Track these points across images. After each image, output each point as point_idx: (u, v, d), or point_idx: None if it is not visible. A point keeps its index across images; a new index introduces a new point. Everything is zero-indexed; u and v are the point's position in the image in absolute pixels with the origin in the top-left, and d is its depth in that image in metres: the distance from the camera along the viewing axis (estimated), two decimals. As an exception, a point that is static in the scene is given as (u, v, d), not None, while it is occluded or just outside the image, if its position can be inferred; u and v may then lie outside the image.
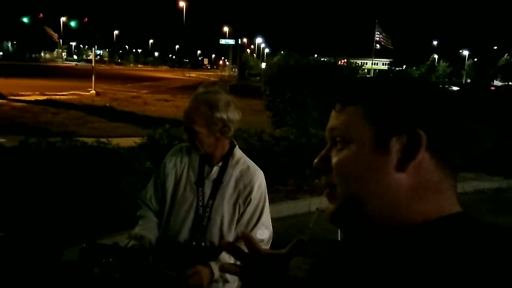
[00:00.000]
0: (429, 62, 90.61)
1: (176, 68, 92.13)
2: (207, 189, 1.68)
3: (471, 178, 6.61)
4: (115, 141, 5.01)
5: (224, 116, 1.61)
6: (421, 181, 0.60)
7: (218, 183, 1.68)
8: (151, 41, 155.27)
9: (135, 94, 19.86)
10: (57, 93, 17.05)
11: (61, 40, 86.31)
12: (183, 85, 30.86)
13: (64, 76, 29.44)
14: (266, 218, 1.74)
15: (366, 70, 52.37)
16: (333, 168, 0.64)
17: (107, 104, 14.51)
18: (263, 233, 1.70)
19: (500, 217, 5.13)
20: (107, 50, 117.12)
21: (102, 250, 1.39)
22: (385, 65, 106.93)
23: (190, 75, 55.39)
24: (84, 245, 1.40)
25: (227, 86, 1.78)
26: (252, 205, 1.69)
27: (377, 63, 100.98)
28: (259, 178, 1.73)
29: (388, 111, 0.62)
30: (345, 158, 0.63)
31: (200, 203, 1.68)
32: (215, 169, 1.70)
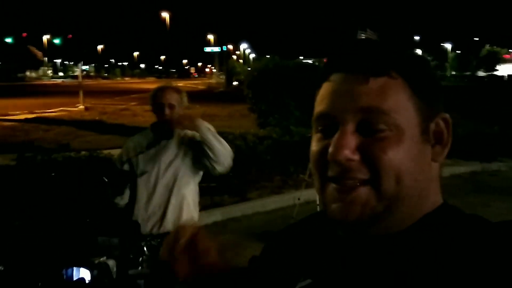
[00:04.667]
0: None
1: (163, 79, 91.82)
2: (169, 155, 2.33)
3: (448, 164, 6.98)
4: (107, 152, 5.27)
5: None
6: (438, 170, 0.57)
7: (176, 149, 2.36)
8: (136, 53, 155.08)
9: (124, 106, 20.00)
10: (46, 111, 17.20)
11: (46, 58, 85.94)
12: (171, 95, 30.97)
13: (51, 93, 29.48)
14: None
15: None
16: (381, 161, 0.52)
17: (97, 118, 14.71)
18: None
19: (475, 198, 5.49)
20: (93, 65, 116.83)
21: None
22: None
23: (178, 84, 55.23)
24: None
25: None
26: None
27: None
28: None
29: (430, 89, 0.56)
30: (400, 149, 0.52)
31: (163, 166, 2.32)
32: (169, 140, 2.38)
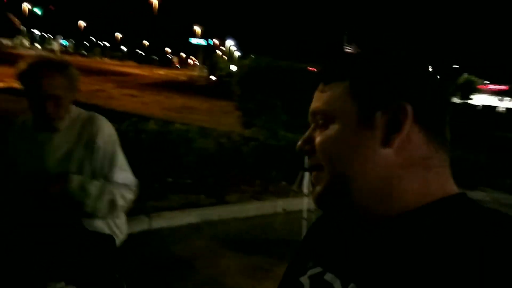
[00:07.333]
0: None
1: (143, 65, 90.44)
2: (57, 150, 1.70)
3: None
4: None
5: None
6: (409, 157, 0.58)
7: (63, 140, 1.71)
8: (119, 35, 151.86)
9: (99, 87, 19.30)
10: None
11: (23, 27, 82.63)
12: (151, 82, 30.35)
13: (25, 64, 28.16)
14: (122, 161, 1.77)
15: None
16: (317, 149, 0.62)
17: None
18: (124, 177, 1.74)
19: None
20: (73, 41, 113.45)
21: None
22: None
23: (159, 72, 54.40)
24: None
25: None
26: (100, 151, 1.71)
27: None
28: (102, 125, 1.75)
29: (373, 85, 0.59)
30: (329, 136, 0.60)
31: (51, 160, 1.69)
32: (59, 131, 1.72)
